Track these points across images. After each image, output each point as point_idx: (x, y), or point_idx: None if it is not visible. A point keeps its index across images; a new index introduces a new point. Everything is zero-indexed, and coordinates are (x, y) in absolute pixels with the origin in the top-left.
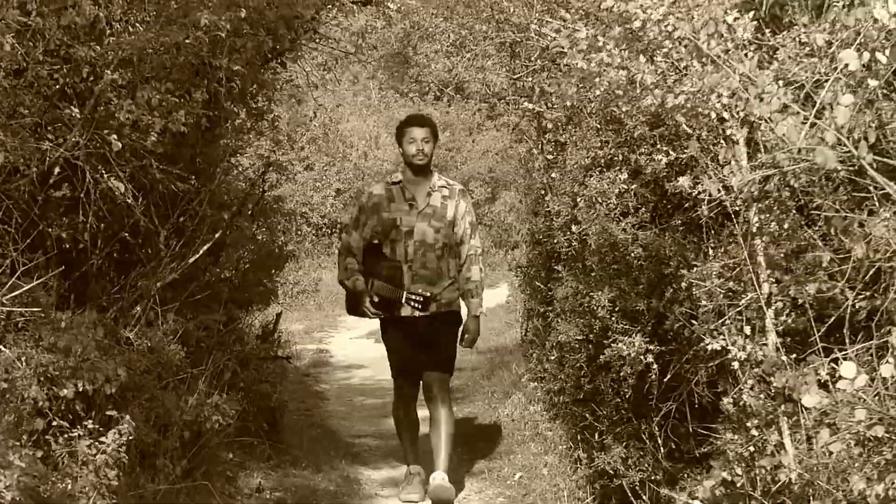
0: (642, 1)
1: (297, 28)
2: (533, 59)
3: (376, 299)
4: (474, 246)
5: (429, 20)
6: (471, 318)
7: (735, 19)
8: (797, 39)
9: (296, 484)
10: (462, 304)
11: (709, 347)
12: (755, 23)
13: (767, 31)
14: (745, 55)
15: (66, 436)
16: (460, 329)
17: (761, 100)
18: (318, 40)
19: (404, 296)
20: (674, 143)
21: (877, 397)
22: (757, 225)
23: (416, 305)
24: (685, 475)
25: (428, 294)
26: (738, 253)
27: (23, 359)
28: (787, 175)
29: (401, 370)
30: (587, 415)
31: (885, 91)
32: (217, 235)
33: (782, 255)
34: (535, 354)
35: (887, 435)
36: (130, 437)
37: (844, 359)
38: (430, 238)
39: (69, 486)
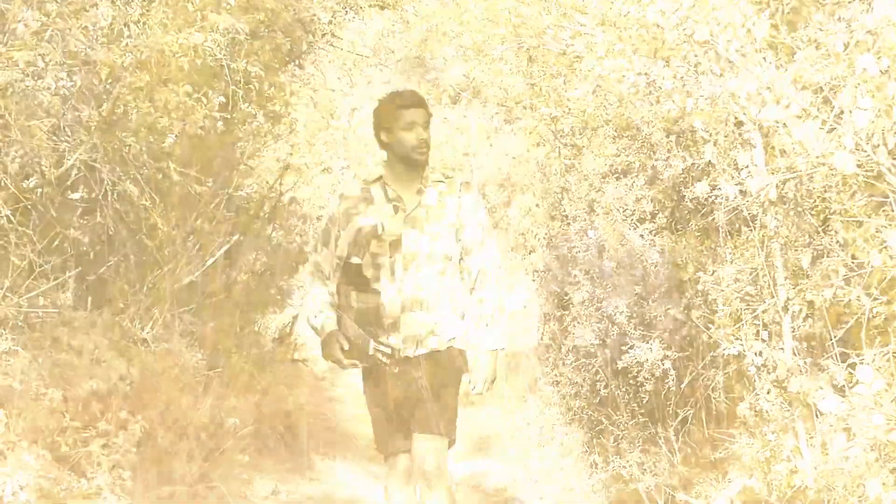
0: (661, 6)
1: (315, 31)
2: (550, 63)
3: (346, 346)
4: (489, 257)
5: (446, 24)
6: (483, 353)
7: (754, 23)
8: (815, 41)
9: (311, 487)
10: (470, 339)
11: (726, 352)
12: (772, 20)
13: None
14: (764, 59)
15: (80, 436)
16: (463, 375)
17: (779, 103)
18: (335, 43)
19: (371, 345)
20: (690, 149)
21: (894, 402)
22: (774, 229)
23: (384, 359)
24: (701, 480)
25: (403, 345)
26: (755, 257)
27: (39, 359)
28: (804, 179)
29: (388, 438)
30: (603, 419)
31: None
32: (234, 238)
33: (799, 259)
34: (551, 358)
35: None
36: (142, 434)
37: (861, 364)
38: (426, 249)
39: (84, 486)
